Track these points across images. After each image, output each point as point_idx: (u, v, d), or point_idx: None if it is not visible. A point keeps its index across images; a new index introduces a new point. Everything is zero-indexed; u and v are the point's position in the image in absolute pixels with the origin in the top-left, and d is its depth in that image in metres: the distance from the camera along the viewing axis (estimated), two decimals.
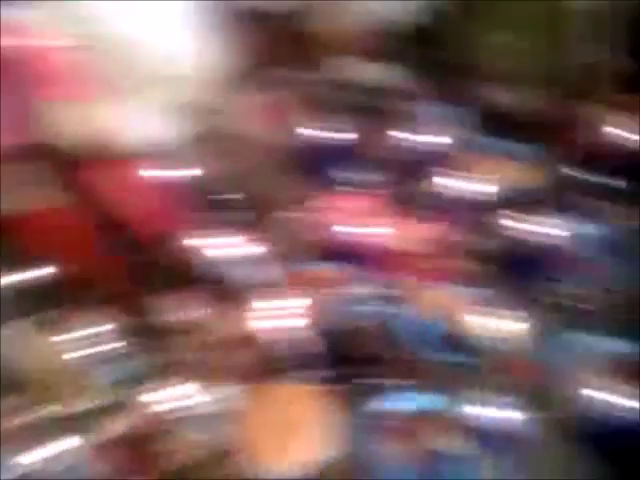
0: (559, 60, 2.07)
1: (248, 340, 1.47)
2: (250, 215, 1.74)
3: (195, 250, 1.60)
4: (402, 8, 2.47)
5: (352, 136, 2.04)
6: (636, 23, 2.25)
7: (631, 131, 1.77)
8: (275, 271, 1.63)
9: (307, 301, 1.49)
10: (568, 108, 2.07)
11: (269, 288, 1.56)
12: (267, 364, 1.44)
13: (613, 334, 1.48)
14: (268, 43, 2.40)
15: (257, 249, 1.61)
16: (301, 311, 1.46)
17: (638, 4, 2.14)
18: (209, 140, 2.17)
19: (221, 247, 1.61)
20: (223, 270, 1.58)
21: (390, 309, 1.58)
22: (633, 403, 1.24)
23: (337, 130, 2.06)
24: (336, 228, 1.78)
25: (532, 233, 1.59)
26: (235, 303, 1.53)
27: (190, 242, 1.61)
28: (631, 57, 2.26)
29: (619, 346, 1.45)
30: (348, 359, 1.44)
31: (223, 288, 1.58)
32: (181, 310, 1.49)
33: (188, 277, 1.59)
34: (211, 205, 1.74)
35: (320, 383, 1.43)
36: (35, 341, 1.42)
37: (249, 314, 1.49)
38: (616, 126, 1.83)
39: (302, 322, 1.44)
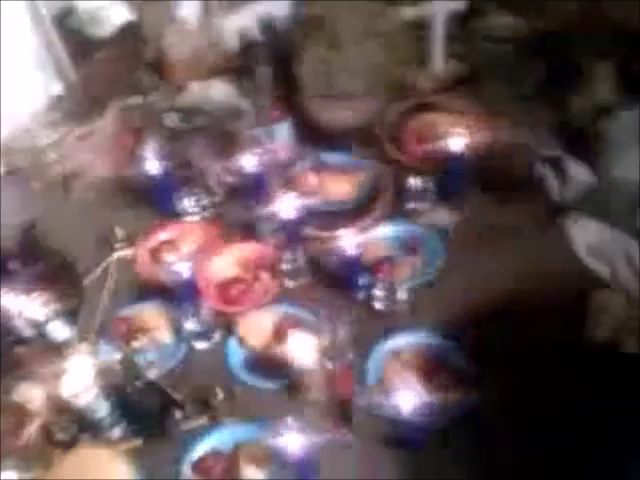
0: (391, 71, 2.11)
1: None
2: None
3: None
4: (245, 27, 2.49)
5: (195, 163, 2.05)
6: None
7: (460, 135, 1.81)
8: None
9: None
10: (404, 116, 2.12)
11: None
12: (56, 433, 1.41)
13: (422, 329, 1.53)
14: (104, 71, 2.40)
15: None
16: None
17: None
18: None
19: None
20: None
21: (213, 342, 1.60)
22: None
23: (178, 158, 2.06)
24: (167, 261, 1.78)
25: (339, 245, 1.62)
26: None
27: None
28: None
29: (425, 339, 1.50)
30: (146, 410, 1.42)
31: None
32: None
33: None
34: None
35: (118, 442, 1.41)
36: None
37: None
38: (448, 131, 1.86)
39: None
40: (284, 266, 1.69)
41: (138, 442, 1.44)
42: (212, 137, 2.11)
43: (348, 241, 1.59)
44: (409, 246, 1.74)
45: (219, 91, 2.38)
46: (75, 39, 2.42)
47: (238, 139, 2.05)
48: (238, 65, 2.41)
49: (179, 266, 1.55)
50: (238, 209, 1.91)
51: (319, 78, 1.98)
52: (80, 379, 1.36)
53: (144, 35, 2.50)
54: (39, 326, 1.54)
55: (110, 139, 2.27)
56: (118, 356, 1.36)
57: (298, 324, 1.55)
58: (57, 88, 2.35)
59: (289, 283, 1.69)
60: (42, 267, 1.68)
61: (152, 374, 1.40)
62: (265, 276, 1.72)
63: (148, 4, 2.54)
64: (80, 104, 2.37)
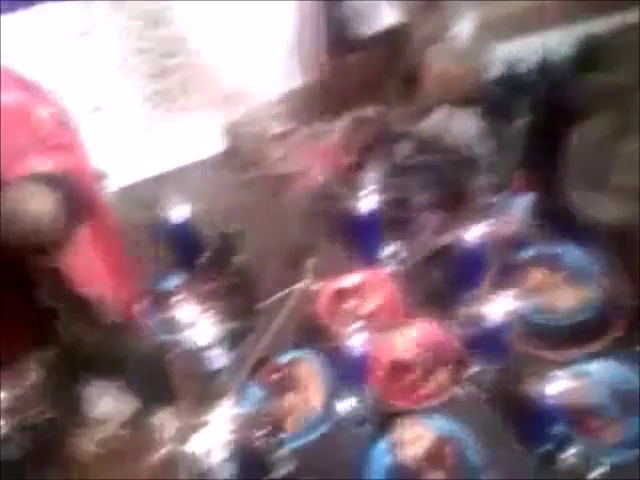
0: None
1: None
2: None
3: None
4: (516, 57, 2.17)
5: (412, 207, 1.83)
6: None
7: None
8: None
9: None
10: None
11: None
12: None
13: None
14: (352, 75, 2.24)
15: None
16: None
17: None
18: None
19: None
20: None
21: None
22: None
23: (396, 195, 1.86)
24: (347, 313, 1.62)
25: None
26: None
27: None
28: None
29: None
30: None
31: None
32: None
33: None
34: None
35: None
36: None
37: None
38: None
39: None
40: (471, 372, 1.41)
41: None
42: (440, 183, 1.86)
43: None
44: (626, 400, 1.35)
45: (462, 124, 2.10)
46: (333, 34, 2.27)
47: (467, 197, 1.78)
48: (494, 101, 2.10)
49: (354, 336, 1.35)
50: (437, 279, 1.64)
51: (590, 163, 1.60)
52: (216, 436, 1.24)
53: (407, 45, 2.28)
54: (201, 349, 1.46)
55: (334, 150, 2.13)
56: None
57: (459, 453, 1.29)
58: (297, 81, 2.24)
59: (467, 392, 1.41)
60: (224, 281, 1.59)
61: (283, 467, 1.23)
62: (443, 374, 1.46)
63: (423, 11, 2.31)
64: (315, 104, 2.25)
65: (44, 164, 1.08)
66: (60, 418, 1.32)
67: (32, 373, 1.27)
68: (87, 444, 1.33)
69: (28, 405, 1.41)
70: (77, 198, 1.09)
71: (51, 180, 1.04)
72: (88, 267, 1.20)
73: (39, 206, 0.98)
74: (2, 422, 1.39)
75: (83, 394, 1.29)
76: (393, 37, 2.33)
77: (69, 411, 1.28)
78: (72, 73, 1.93)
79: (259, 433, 1.27)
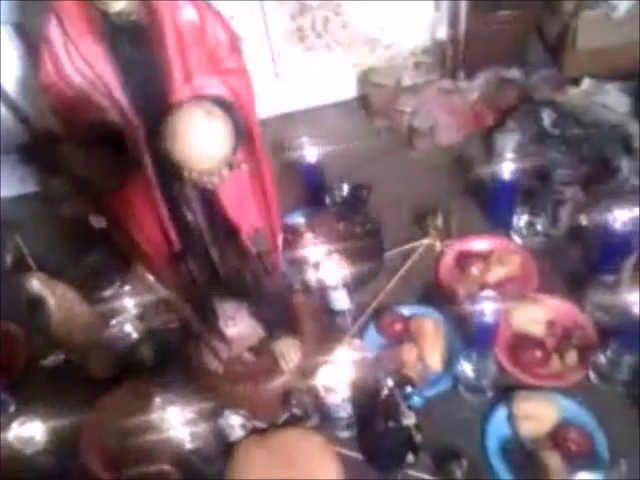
0: None
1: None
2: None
3: None
4: None
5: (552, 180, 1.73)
6: None
7: None
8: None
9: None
10: None
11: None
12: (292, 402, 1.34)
13: None
14: (497, 33, 2.12)
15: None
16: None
17: None
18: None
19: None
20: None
21: None
22: None
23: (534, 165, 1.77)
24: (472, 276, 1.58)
25: None
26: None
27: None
28: None
29: None
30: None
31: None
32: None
33: None
34: None
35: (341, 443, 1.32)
36: None
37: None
38: None
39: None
40: (602, 360, 1.35)
41: (359, 456, 1.31)
42: (585, 158, 1.76)
43: None
44: None
45: (612, 99, 1.97)
46: None
47: (614, 177, 1.68)
48: None
49: (484, 304, 1.31)
50: (573, 259, 1.57)
51: None
52: (339, 377, 1.24)
53: (557, 6, 2.14)
54: (325, 288, 1.45)
55: (469, 107, 2.05)
56: (387, 382, 1.19)
57: (586, 440, 1.24)
58: (441, 34, 2.14)
59: (597, 378, 1.35)
60: (353, 226, 1.57)
61: (407, 418, 1.22)
62: (572, 355, 1.40)
63: None
64: (455, 57, 2.16)
65: (216, 87, 1.06)
66: (191, 330, 1.35)
67: (171, 282, 1.28)
68: (213, 360, 1.36)
69: (160, 313, 1.45)
70: (243, 125, 1.08)
71: (225, 104, 1.02)
72: (240, 195, 1.20)
73: (215, 128, 0.97)
74: (131, 328, 1.44)
75: (219, 312, 1.30)
76: None
77: (203, 325, 1.30)
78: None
79: (382, 379, 1.24)
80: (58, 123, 1.12)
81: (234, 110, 1.04)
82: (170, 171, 1.04)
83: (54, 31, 1.01)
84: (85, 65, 1.02)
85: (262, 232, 1.21)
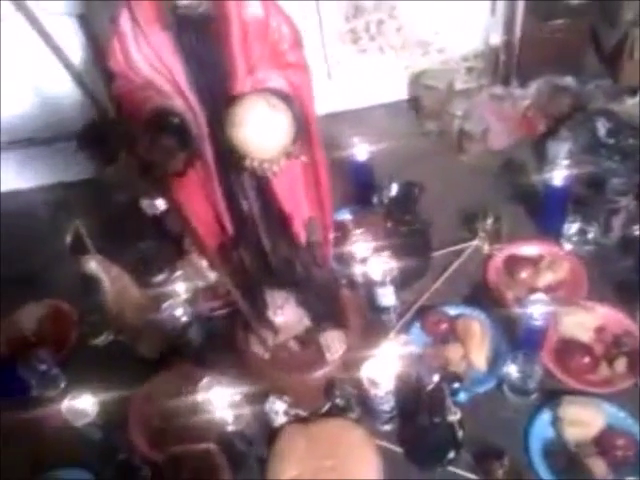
0: None
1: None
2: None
3: None
4: None
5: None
6: None
7: None
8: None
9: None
10: None
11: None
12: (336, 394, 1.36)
13: None
14: (552, 40, 2.11)
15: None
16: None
17: None
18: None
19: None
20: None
21: None
22: None
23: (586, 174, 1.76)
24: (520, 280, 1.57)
25: None
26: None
27: None
28: None
29: None
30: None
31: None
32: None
33: None
34: None
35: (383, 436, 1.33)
36: None
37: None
38: None
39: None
40: None
41: (399, 450, 1.32)
42: (637, 168, 1.74)
43: None
44: None
45: None
46: None
47: None
48: None
49: (534, 308, 1.31)
50: (624, 268, 1.55)
51: None
52: (384, 370, 1.25)
53: (616, 16, 2.12)
54: (372, 284, 1.46)
55: (521, 113, 2.04)
56: (434, 377, 1.20)
57: (628, 447, 1.22)
58: (495, 39, 2.14)
59: None
60: (402, 224, 1.58)
61: (453, 414, 1.22)
62: (622, 363, 1.38)
63: None
64: (508, 63, 2.15)
65: (277, 80, 1.09)
66: (240, 316, 1.37)
67: (223, 269, 1.31)
68: (259, 347, 1.38)
69: (210, 299, 1.48)
70: (302, 119, 1.10)
71: (286, 97, 1.05)
72: (295, 187, 1.22)
73: (277, 119, 0.99)
74: (181, 311, 1.47)
75: (268, 300, 1.32)
76: (603, 7, 2.18)
77: (251, 312, 1.32)
78: None
79: (427, 375, 1.25)
80: (121, 111, 1.15)
81: (293, 103, 1.06)
82: (230, 160, 1.07)
83: (125, 20, 1.05)
84: (153, 54, 1.05)
85: (316, 222, 1.22)
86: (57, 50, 1.85)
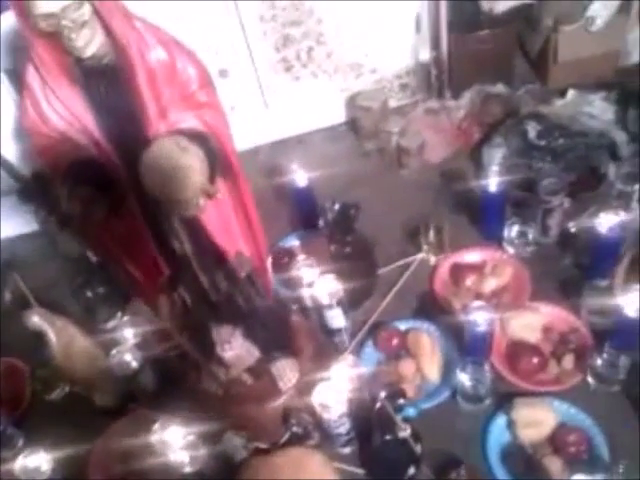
0: None
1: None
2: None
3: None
4: None
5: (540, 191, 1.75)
6: None
7: None
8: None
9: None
10: None
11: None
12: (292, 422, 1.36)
13: None
14: (479, 51, 2.17)
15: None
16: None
17: None
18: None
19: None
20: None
21: None
22: None
23: (520, 176, 1.80)
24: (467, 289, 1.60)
25: None
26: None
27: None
28: None
29: None
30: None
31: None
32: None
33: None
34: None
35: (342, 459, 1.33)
36: None
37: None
38: None
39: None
40: (599, 362, 1.36)
41: (360, 471, 1.33)
42: (571, 167, 1.80)
43: None
44: None
45: (596, 109, 2.01)
46: (461, 10, 2.20)
47: (600, 183, 1.70)
48: (631, 87, 2.00)
49: (477, 315, 1.33)
50: (565, 265, 1.59)
51: None
52: (336, 393, 1.26)
53: (537, 22, 2.20)
54: (321, 308, 1.47)
55: (456, 125, 2.09)
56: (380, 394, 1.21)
57: (585, 443, 1.25)
58: (424, 55, 2.20)
59: (593, 381, 1.36)
60: (345, 245, 1.60)
61: (402, 430, 1.23)
62: (569, 359, 1.41)
63: None
64: (439, 77, 2.21)
65: (190, 121, 1.10)
66: (189, 356, 1.37)
67: (165, 312, 1.31)
68: (212, 384, 1.38)
69: (158, 342, 1.48)
70: (218, 156, 1.12)
71: (197, 136, 1.06)
72: (224, 222, 1.24)
73: (187, 160, 1.00)
74: (131, 357, 1.47)
75: (214, 336, 1.33)
76: (524, 15, 2.25)
77: (200, 350, 1.33)
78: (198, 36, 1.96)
79: (377, 393, 1.26)
80: (43, 164, 1.16)
81: (210, 141, 1.08)
82: (153, 203, 1.08)
83: (32, 77, 1.06)
84: (63, 107, 1.07)
85: (244, 254, 1.23)
86: None
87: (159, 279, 1.25)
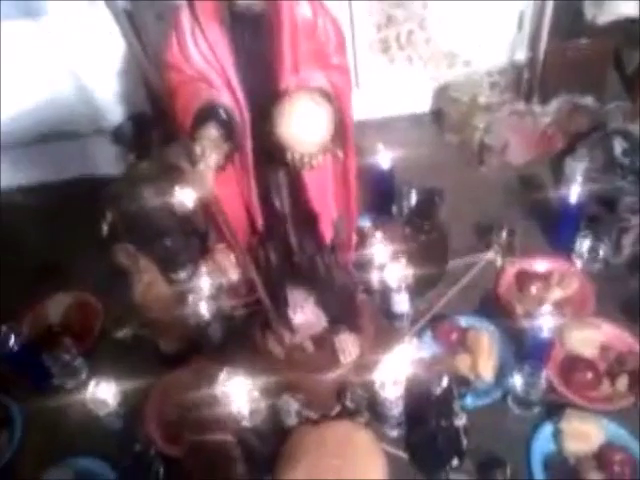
0: None
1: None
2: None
3: None
4: None
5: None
6: None
7: None
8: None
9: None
10: None
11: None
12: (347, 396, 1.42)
13: None
14: (575, 59, 2.15)
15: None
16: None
17: None
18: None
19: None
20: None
21: None
22: None
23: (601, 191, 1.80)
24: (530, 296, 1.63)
25: None
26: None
27: None
28: None
29: None
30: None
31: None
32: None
33: None
34: None
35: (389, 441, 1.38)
36: None
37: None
38: None
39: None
40: None
41: (404, 455, 1.38)
42: None
43: None
44: None
45: None
46: (565, 16, 2.17)
47: None
48: None
49: (540, 318, 1.36)
50: (631, 287, 1.60)
51: None
52: (394, 372, 1.31)
53: (637, 39, 2.15)
54: (388, 291, 1.51)
55: (541, 130, 2.09)
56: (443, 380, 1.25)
57: (630, 464, 1.27)
58: (520, 55, 2.19)
59: None
60: (421, 233, 1.62)
61: (459, 418, 1.27)
62: (623, 381, 1.43)
63: None
64: (530, 80, 2.19)
65: (319, 80, 1.13)
66: (258, 315, 1.43)
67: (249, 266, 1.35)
68: (276, 346, 1.44)
69: (231, 297, 1.54)
70: (339, 120, 1.14)
71: (326, 96, 1.10)
72: (323, 187, 1.27)
73: (321, 115, 1.04)
74: (204, 308, 1.53)
75: (289, 297, 1.38)
76: (627, 29, 2.20)
77: (272, 308, 1.38)
78: None
79: (440, 378, 1.29)
80: (174, 102, 1.20)
81: (333, 103, 1.11)
82: (268, 155, 1.12)
83: (185, 16, 1.11)
84: (208, 47, 1.11)
85: (343, 221, 1.27)
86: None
87: (250, 233, 1.30)
